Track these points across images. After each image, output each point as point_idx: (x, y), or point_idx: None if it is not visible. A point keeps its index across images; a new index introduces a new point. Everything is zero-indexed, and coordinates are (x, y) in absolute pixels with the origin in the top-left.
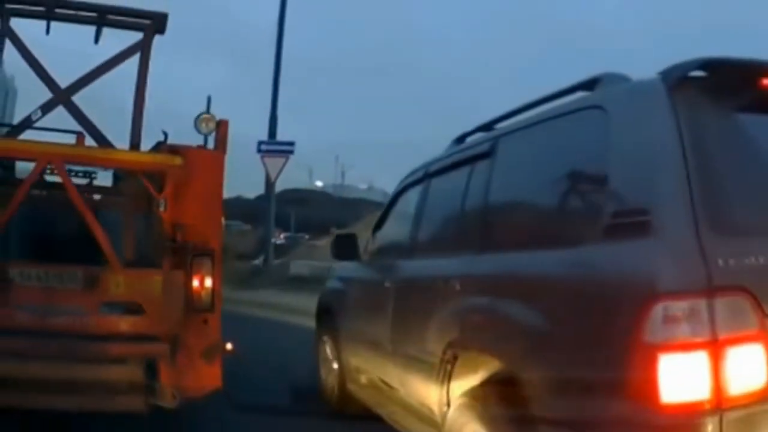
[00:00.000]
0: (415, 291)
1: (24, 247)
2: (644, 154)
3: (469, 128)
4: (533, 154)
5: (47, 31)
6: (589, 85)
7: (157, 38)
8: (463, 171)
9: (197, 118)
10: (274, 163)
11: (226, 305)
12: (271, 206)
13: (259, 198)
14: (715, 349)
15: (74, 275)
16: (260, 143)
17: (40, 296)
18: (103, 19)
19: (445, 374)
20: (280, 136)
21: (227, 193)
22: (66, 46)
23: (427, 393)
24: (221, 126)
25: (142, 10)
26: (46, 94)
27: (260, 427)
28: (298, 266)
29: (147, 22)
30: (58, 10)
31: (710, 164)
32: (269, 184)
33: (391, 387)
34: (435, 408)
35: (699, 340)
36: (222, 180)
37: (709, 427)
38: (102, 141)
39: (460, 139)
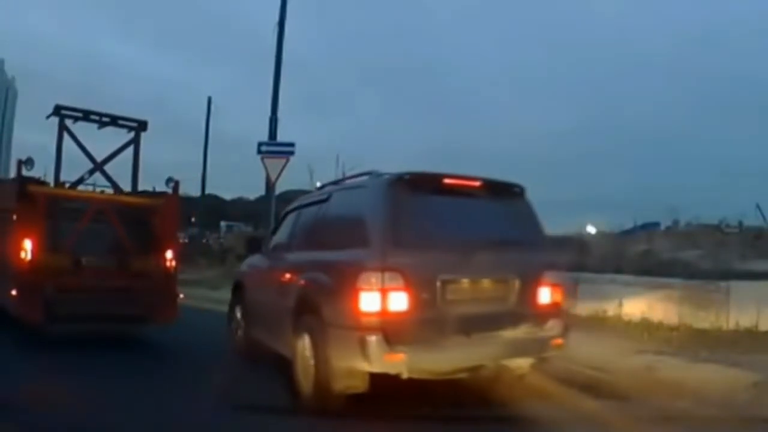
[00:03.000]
0: (285, 270)
1: (88, 246)
2: (373, 211)
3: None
4: (342, 204)
5: (74, 122)
6: (369, 173)
7: (158, 43)
8: (315, 207)
9: (167, 180)
10: (274, 164)
11: (220, 306)
12: (272, 208)
13: (260, 199)
14: (383, 292)
15: (112, 259)
16: (260, 144)
17: (95, 271)
18: (113, 122)
19: (294, 312)
20: (282, 137)
21: (229, 195)
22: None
23: (288, 325)
24: (176, 184)
25: (133, 117)
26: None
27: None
28: None
29: (135, 124)
30: (91, 116)
31: (398, 218)
32: (269, 185)
33: (272, 329)
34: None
35: (376, 288)
36: (178, 211)
37: (379, 324)
38: (121, 192)
39: (321, 187)
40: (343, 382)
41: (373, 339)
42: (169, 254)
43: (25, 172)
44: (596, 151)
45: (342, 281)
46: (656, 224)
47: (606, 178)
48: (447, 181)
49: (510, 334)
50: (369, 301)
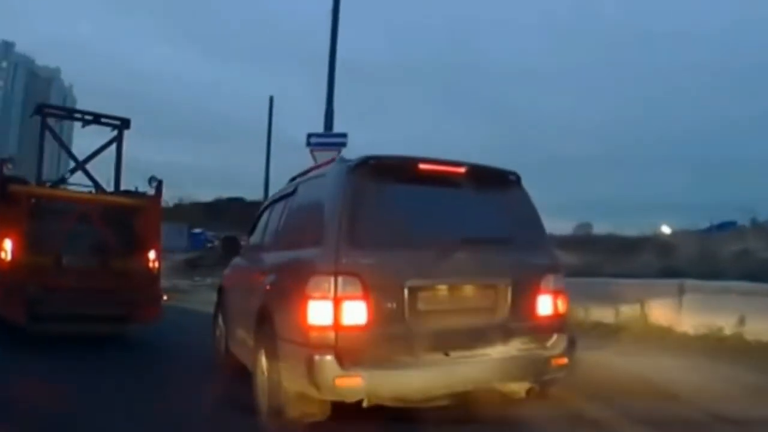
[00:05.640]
0: (253, 273)
1: (71, 246)
2: (329, 204)
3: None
4: (304, 197)
5: (59, 121)
6: (333, 160)
7: (212, 47)
8: (283, 202)
9: (149, 179)
10: (324, 157)
11: None
12: None
13: None
14: (336, 301)
15: (94, 259)
16: (310, 135)
17: (77, 271)
18: (96, 120)
19: (257, 321)
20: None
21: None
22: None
23: (252, 336)
24: (159, 183)
25: (116, 115)
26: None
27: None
28: None
29: (118, 122)
30: (74, 115)
31: (358, 211)
32: None
33: (240, 338)
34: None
35: (328, 295)
36: (161, 211)
37: (330, 340)
38: (104, 192)
39: (291, 180)
40: (297, 408)
41: (322, 359)
42: (152, 254)
43: (6, 172)
44: (653, 151)
45: (291, 287)
46: (733, 223)
47: (665, 178)
48: (423, 166)
49: (500, 352)
50: (319, 312)
